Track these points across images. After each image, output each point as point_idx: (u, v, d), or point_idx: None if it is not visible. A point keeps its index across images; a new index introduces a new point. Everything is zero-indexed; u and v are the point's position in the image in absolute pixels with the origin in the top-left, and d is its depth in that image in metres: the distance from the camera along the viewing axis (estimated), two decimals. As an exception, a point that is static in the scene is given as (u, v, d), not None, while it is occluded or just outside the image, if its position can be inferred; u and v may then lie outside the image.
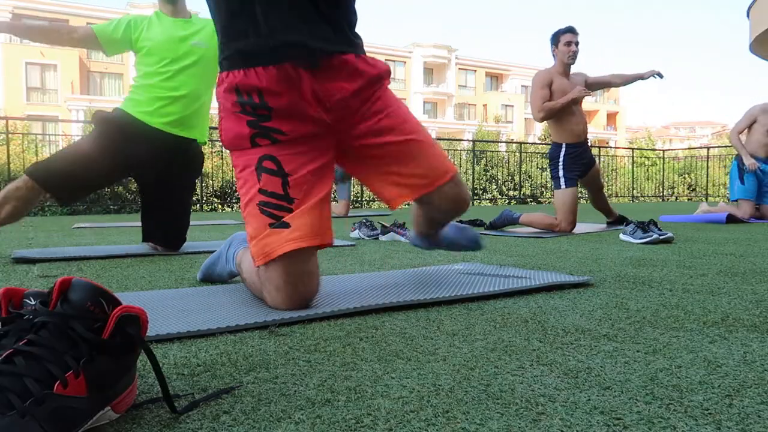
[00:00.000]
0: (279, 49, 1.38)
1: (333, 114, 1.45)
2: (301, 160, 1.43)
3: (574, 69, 4.03)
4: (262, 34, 1.38)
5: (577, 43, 3.87)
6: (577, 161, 3.91)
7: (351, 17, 1.50)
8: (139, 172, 2.76)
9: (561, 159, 3.91)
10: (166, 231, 2.79)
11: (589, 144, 4.10)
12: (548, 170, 4.13)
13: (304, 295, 1.41)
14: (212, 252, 2.75)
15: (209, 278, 1.91)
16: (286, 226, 1.39)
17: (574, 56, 3.88)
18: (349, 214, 6.45)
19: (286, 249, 1.37)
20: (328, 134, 1.48)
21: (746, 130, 5.21)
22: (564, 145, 3.93)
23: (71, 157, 2.54)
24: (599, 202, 4.29)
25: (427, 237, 1.91)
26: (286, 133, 1.42)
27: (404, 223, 3.48)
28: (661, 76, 4.14)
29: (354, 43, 1.48)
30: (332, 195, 6.56)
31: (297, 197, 1.41)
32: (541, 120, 3.93)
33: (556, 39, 3.92)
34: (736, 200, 5.16)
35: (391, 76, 1.59)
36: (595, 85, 4.14)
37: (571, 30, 3.89)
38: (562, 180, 3.88)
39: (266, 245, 1.39)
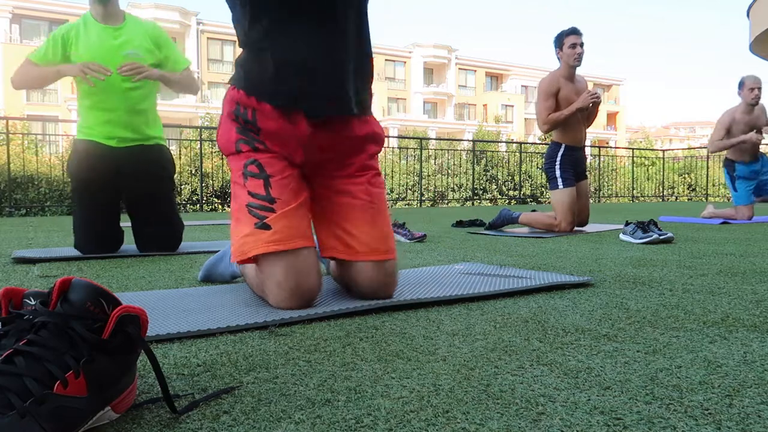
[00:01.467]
0: (295, 101, 1.47)
1: (315, 156, 1.53)
2: (281, 164, 1.50)
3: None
4: (287, 91, 1.46)
5: (582, 45, 3.82)
6: (572, 164, 3.94)
7: (367, 81, 1.58)
8: (124, 189, 2.73)
9: (558, 159, 3.92)
10: (159, 238, 2.75)
11: (588, 153, 4.10)
12: (544, 170, 4.08)
13: (305, 294, 1.41)
14: (212, 252, 2.76)
15: (210, 278, 1.92)
16: (268, 228, 1.42)
17: (579, 58, 3.82)
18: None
19: (261, 251, 1.41)
20: (304, 166, 1.55)
21: (724, 137, 5.18)
22: (563, 146, 3.94)
23: (85, 214, 2.64)
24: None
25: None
26: (268, 147, 1.50)
27: (404, 223, 3.48)
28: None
29: (364, 107, 1.57)
30: None
31: (278, 197, 1.45)
32: (546, 131, 3.91)
33: (560, 41, 3.86)
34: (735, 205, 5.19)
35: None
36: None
37: (575, 31, 3.83)
38: (559, 180, 3.88)
39: (244, 244, 1.43)
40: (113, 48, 2.58)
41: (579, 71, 3.98)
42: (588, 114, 4.04)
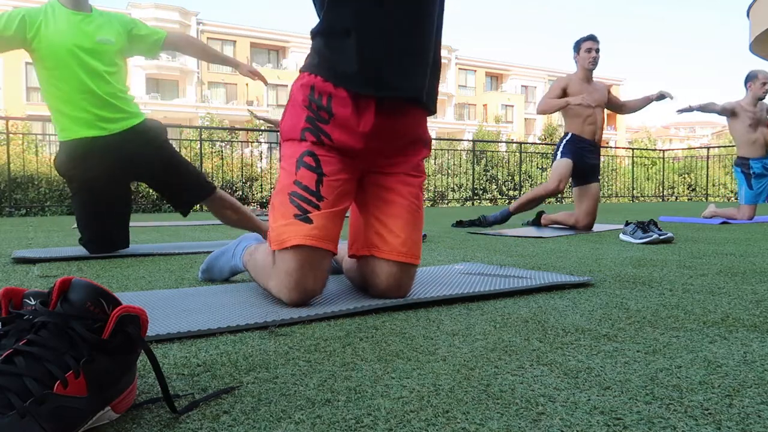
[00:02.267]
0: (380, 88, 1.48)
1: (375, 146, 1.54)
2: (338, 166, 1.51)
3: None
4: (364, 74, 1.46)
5: (597, 50, 4.07)
6: (577, 152, 4.05)
7: (437, 78, 1.62)
8: (130, 174, 2.71)
9: (563, 144, 4.13)
10: (189, 192, 2.73)
11: (599, 155, 4.18)
12: (551, 162, 4.33)
13: (309, 292, 1.44)
14: (212, 252, 2.76)
15: (209, 274, 1.93)
16: (309, 222, 1.44)
17: (594, 62, 4.09)
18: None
19: (300, 242, 1.42)
20: (362, 157, 1.55)
21: (731, 119, 5.17)
22: (570, 134, 4.13)
23: (88, 211, 2.62)
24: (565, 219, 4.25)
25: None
26: (333, 140, 1.50)
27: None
28: (671, 97, 4.28)
29: (432, 103, 1.61)
30: None
31: (326, 197, 1.47)
32: (538, 112, 4.13)
33: (577, 46, 4.12)
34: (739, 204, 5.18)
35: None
36: (611, 103, 4.30)
37: (592, 38, 4.11)
38: (558, 155, 4.11)
39: (284, 232, 1.44)
40: (86, 33, 2.54)
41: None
42: (613, 106, 4.32)
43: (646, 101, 4.32)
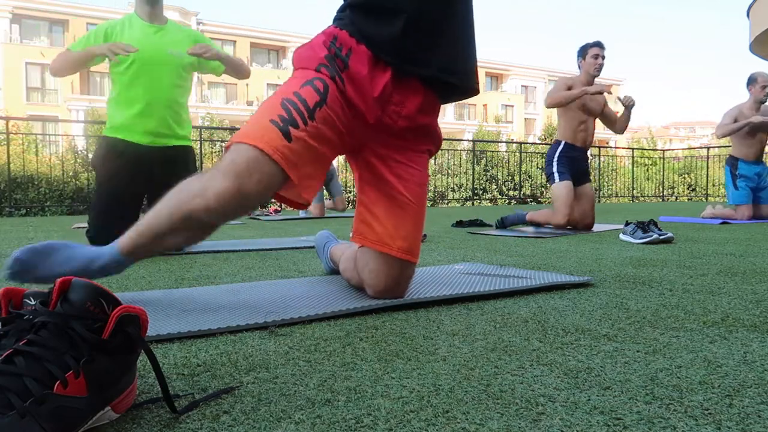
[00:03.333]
0: (396, 54, 1.44)
1: (383, 116, 1.47)
2: (340, 112, 1.41)
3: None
4: (395, 42, 1.42)
5: (603, 57, 4.04)
6: (571, 163, 4.05)
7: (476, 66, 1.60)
8: (148, 187, 2.78)
9: (556, 156, 4.07)
10: None
11: (588, 152, 4.18)
12: (544, 169, 4.25)
13: (245, 195, 1.29)
14: (212, 252, 2.78)
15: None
16: (288, 138, 1.32)
17: (599, 69, 4.05)
18: (346, 213, 6.44)
19: (269, 150, 1.29)
20: (367, 129, 1.47)
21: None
22: (563, 143, 4.09)
23: (104, 205, 2.67)
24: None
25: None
26: (346, 87, 1.41)
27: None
28: (633, 103, 4.20)
29: (467, 87, 1.56)
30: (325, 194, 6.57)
31: (317, 123, 1.36)
32: (549, 105, 4.07)
33: (583, 52, 4.08)
34: (733, 205, 5.18)
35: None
36: (605, 116, 4.27)
37: (599, 44, 4.07)
38: (556, 175, 4.03)
39: (256, 132, 1.32)
40: (159, 45, 2.67)
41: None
42: (605, 116, 4.24)
43: (626, 116, 4.22)
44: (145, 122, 2.66)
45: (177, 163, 2.76)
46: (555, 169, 4.04)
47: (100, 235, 2.66)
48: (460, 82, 1.52)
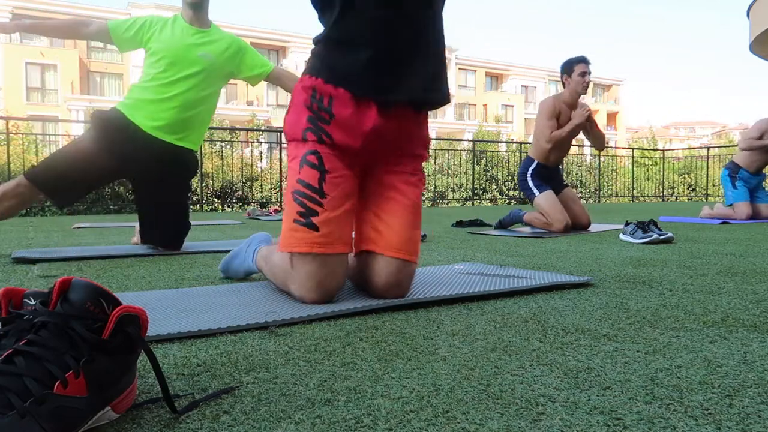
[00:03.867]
0: (388, 92, 1.50)
1: (377, 147, 1.56)
2: (340, 164, 1.53)
3: None
4: (368, 78, 1.49)
5: (589, 73, 3.89)
6: (546, 177, 4.03)
7: (446, 76, 1.64)
8: (134, 175, 2.77)
9: (530, 173, 4.03)
10: (163, 232, 2.78)
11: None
12: (519, 186, 4.20)
13: (328, 292, 1.48)
14: (212, 252, 2.77)
15: (227, 273, 1.98)
16: (315, 228, 1.47)
17: (587, 87, 3.89)
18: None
19: (305, 250, 1.46)
20: (363, 155, 1.57)
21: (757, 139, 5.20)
22: (535, 162, 4.04)
23: (70, 159, 2.57)
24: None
25: None
26: (334, 140, 1.52)
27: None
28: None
29: (440, 99, 1.61)
30: None
31: (330, 194, 1.49)
32: (550, 149, 3.98)
33: (569, 68, 3.89)
34: (731, 205, 5.19)
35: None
36: (588, 130, 4.13)
37: (585, 60, 3.89)
38: (534, 189, 3.98)
39: (291, 238, 1.49)
40: (190, 45, 2.70)
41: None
42: (591, 132, 4.10)
43: (595, 131, 4.10)
44: (158, 113, 2.66)
45: (175, 163, 2.75)
46: (531, 184, 3.99)
47: (42, 177, 2.52)
48: (435, 97, 1.58)
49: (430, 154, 13.07)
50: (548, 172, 4.06)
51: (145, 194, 2.78)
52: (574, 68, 3.85)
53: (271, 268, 1.67)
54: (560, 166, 4.14)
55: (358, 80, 1.49)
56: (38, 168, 2.55)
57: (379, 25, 1.46)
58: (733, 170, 5.22)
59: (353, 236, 1.65)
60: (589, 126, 4.04)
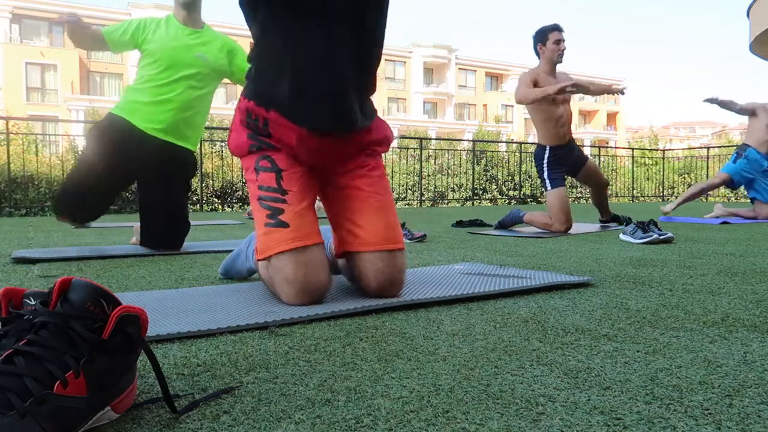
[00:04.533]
0: (301, 119, 1.52)
1: (321, 161, 1.60)
2: (292, 161, 1.57)
3: (559, 68, 3.97)
4: (293, 108, 1.51)
5: (564, 41, 3.82)
6: (561, 162, 3.97)
7: (371, 94, 1.64)
8: (138, 176, 2.78)
9: (545, 160, 3.96)
10: (163, 233, 2.78)
11: (575, 143, 4.09)
12: (535, 170, 4.17)
13: (314, 290, 1.46)
14: (212, 252, 2.77)
15: (228, 275, 1.97)
16: (286, 225, 1.48)
17: (562, 54, 3.82)
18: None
19: (283, 248, 1.46)
20: (311, 163, 1.61)
21: (751, 119, 5.18)
22: (548, 148, 3.96)
23: (79, 177, 2.63)
24: (599, 198, 4.27)
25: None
26: (280, 150, 1.57)
27: (404, 223, 3.47)
28: (623, 93, 4.10)
29: (367, 119, 1.61)
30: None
31: (290, 189, 1.52)
32: (518, 101, 3.85)
33: (543, 37, 3.82)
34: (757, 203, 5.15)
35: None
36: (578, 87, 4.01)
37: (558, 28, 3.83)
38: (547, 182, 3.93)
39: (266, 242, 1.49)
40: (187, 46, 2.69)
41: (562, 68, 4.00)
42: (591, 92, 4.00)
43: (606, 89, 4.06)
44: (156, 115, 2.65)
45: (175, 162, 2.75)
46: (546, 174, 3.93)
47: (66, 201, 2.62)
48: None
49: (431, 153, 13.09)
50: (563, 152, 3.96)
51: (145, 194, 2.79)
52: (548, 36, 3.80)
53: (265, 272, 1.66)
54: (573, 142, 4.05)
55: (284, 109, 1.52)
56: (60, 190, 2.67)
57: (296, 47, 1.46)
58: (741, 148, 5.15)
59: (333, 242, 1.67)
60: (583, 89, 3.95)
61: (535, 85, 3.79)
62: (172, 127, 2.68)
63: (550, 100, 3.77)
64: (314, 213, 1.56)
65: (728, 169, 5.17)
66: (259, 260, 1.54)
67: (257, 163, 1.56)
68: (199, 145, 9.23)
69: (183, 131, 2.73)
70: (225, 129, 11.38)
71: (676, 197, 14.68)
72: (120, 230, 4.40)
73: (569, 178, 4.29)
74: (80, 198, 2.63)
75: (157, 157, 2.68)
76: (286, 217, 1.48)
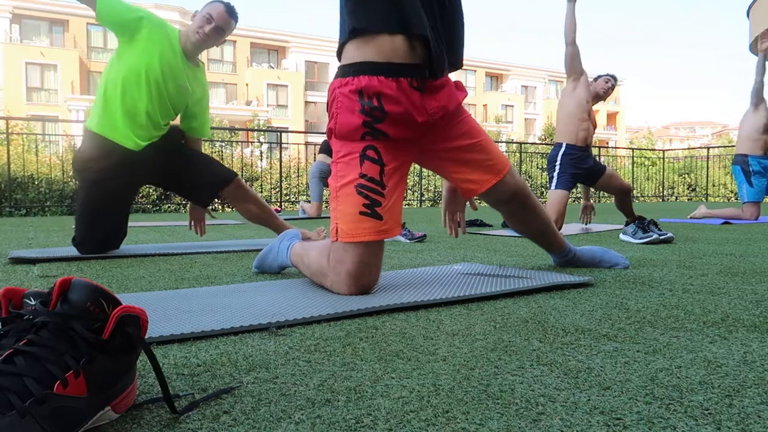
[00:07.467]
0: (403, 67, 1.60)
1: (431, 124, 1.68)
2: (395, 154, 1.65)
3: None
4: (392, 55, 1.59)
5: (612, 87, 4.19)
6: (574, 164, 3.94)
7: (462, 40, 1.77)
8: (143, 180, 2.79)
9: (558, 159, 3.96)
10: (211, 175, 2.74)
11: (592, 152, 4.11)
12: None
13: (368, 284, 1.61)
14: (212, 252, 2.77)
15: (261, 268, 2.09)
16: (380, 217, 1.60)
17: (607, 94, 4.15)
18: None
19: (373, 238, 1.59)
20: (419, 139, 1.71)
21: (753, 109, 5.16)
22: (564, 145, 3.96)
23: (89, 212, 2.60)
24: (623, 203, 4.18)
25: (560, 254, 2.17)
26: (390, 136, 1.63)
27: (404, 223, 3.47)
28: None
29: (456, 65, 1.75)
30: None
31: (388, 185, 1.63)
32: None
33: (597, 77, 4.17)
34: (743, 203, 5.15)
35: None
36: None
37: (614, 77, 4.20)
38: (554, 181, 3.96)
39: (357, 228, 1.59)
40: (178, 69, 2.61)
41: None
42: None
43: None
44: (134, 129, 2.57)
45: (164, 145, 2.70)
46: (556, 172, 3.95)
47: (85, 241, 2.61)
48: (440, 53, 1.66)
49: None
50: (578, 154, 3.95)
51: (170, 178, 2.76)
52: (602, 77, 4.13)
53: (308, 264, 1.77)
54: (590, 150, 4.10)
55: (399, 67, 1.58)
56: (76, 234, 2.63)
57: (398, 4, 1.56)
58: (744, 163, 5.11)
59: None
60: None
61: (581, 76, 4.02)
62: (148, 139, 2.62)
63: (591, 95, 4.01)
64: (400, 204, 1.68)
65: (752, 196, 5.12)
66: (343, 241, 1.61)
67: (364, 152, 1.61)
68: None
69: (159, 130, 2.68)
70: (225, 129, 11.40)
71: (677, 198, 14.71)
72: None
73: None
74: (101, 231, 2.63)
75: (147, 155, 2.62)
76: (381, 210, 1.60)
